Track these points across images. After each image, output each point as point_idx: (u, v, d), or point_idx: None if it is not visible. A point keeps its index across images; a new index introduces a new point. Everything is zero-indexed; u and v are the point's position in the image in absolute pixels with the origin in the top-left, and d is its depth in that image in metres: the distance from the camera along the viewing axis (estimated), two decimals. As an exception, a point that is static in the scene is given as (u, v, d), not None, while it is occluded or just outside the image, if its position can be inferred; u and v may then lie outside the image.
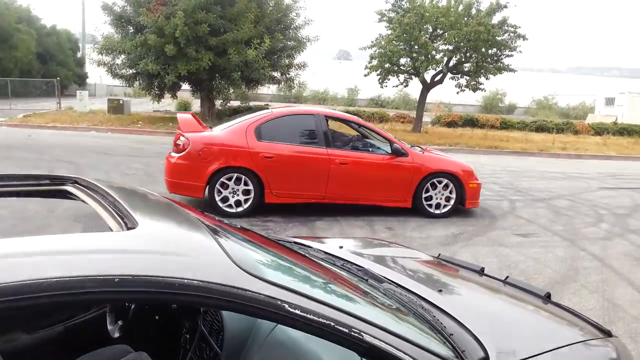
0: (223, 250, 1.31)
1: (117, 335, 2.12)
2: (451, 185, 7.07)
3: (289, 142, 6.63)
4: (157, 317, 2.19)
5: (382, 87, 25.17)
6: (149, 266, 1.10)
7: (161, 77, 18.21)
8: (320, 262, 2.11)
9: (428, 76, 24.24)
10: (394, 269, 2.53)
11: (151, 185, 7.81)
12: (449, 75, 24.38)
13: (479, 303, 2.31)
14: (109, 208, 1.53)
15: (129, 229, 1.32)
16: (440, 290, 2.19)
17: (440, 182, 7.05)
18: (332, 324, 1.28)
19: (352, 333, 1.29)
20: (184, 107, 26.13)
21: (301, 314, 1.24)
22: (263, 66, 18.26)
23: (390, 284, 2.13)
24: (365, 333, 1.31)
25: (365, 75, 24.64)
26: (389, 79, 24.78)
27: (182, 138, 6.38)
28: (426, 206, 7.04)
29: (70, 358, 2.12)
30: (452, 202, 7.11)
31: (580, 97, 47.82)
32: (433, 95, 28.95)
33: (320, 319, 1.26)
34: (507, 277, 2.58)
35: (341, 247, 2.68)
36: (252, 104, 23.88)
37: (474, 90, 24.84)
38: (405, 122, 24.95)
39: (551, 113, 39.55)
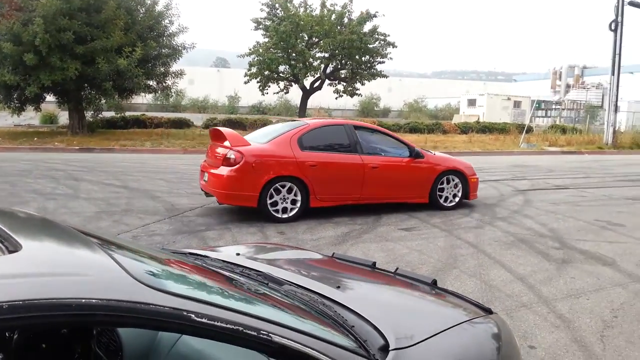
0: (119, 266, 1.25)
1: None
2: (458, 180, 8.14)
3: (327, 150, 7.29)
4: (44, 345, 2.02)
5: (263, 94, 25.32)
6: (40, 289, 1.03)
7: (21, 88, 16.70)
8: (220, 270, 2.08)
9: (307, 83, 24.83)
10: (291, 270, 2.56)
11: (20, 206, 7.12)
12: (327, 81, 25.17)
13: (374, 295, 2.42)
14: None
15: (11, 252, 1.21)
16: (338, 287, 2.26)
17: (449, 179, 8.08)
18: (241, 328, 1.28)
19: (261, 335, 1.30)
20: (50, 119, 24.19)
21: (209, 322, 1.23)
22: (136, 75, 17.48)
23: (290, 285, 2.16)
24: (273, 334, 1.32)
25: (246, 83, 24.63)
26: (269, 86, 25.00)
27: (231, 152, 6.72)
28: (441, 201, 8.03)
29: None
30: (459, 195, 8.16)
31: (446, 100, 51.75)
32: (313, 101, 29.70)
33: (228, 325, 1.25)
34: (397, 269, 2.72)
35: (238, 254, 2.66)
36: (127, 114, 22.73)
37: (351, 95, 25.90)
38: (288, 128, 25.21)
39: (422, 115, 42.28)
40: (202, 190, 7.48)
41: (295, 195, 6.94)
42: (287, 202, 6.90)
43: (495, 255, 5.65)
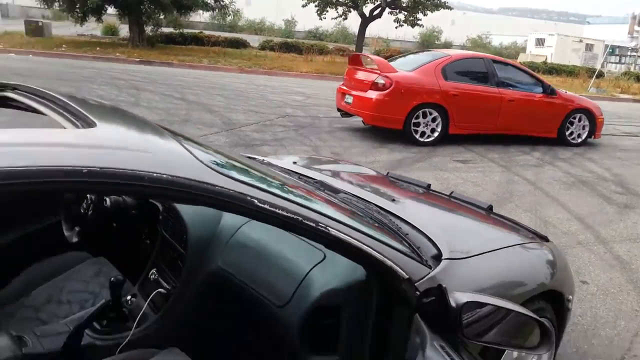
0: (188, 151, 1.28)
1: (75, 240, 2.05)
2: (586, 119, 8.44)
3: (468, 81, 7.65)
4: (114, 224, 2.13)
5: (320, 19, 24.68)
6: (115, 160, 1.05)
7: (83, -1, 16.95)
8: (279, 171, 2.10)
9: (367, 10, 23.95)
10: (347, 181, 2.57)
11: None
12: (388, 9, 24.17)
13: (428, 212, 2.40)
14: (61, 111, 1.42)
15: (85, 128, 1.25)
16: (393, 200, 2.24)
17: (578, 117, 8.41)
18: (300, 218, 1.30)
19: (319, 227, 1.32)
20: (111, 31, 24.53)
21: (270, 208, 1.25)
22: (195, -9, 17.32)
23: (345, 194, 2.16)
24: (330, 227, 1.34)
25: (303, 6, 24.03)
26: (327, 11, 24.31)
27: (380, 77, 7.19)
28: (568, 137, 8.39)
29: (26, 264, 2.06)
30: (585, 133, 8.50)
31: (512, 38, 49.04)
32: (372, 30, 28.75)
33: (288, 214, 1.28)
34: (452, 192, 2.68)
35: (295, 163, 2.68)
36: (185, 31, 22.76)
37: (412, 25, 24.87)
38: (345, 56, 24.72)
39: (485, 52, 40.33)
40: (339, 110, 8.07)
41: (437, 121, 7.36)
42: (428, 128, 7.35)
43: (553, 194, 5.48)
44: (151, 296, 1.91)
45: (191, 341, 1.77)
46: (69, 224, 2.13)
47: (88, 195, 2.09)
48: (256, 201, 1.21)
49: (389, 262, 1.43)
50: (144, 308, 1.87)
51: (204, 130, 6.86)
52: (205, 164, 1.22)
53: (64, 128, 1.27)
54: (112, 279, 1.73)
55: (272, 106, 9.48)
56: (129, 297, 1.90)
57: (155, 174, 1.06)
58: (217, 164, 1.33)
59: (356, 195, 2.16)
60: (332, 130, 7.77)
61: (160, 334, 1.86)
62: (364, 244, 1.39)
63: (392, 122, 7.27)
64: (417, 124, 7.30)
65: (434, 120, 7.37)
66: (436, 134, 7.42)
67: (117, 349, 1.73)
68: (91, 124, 1.24)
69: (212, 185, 1.15)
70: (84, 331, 1.72)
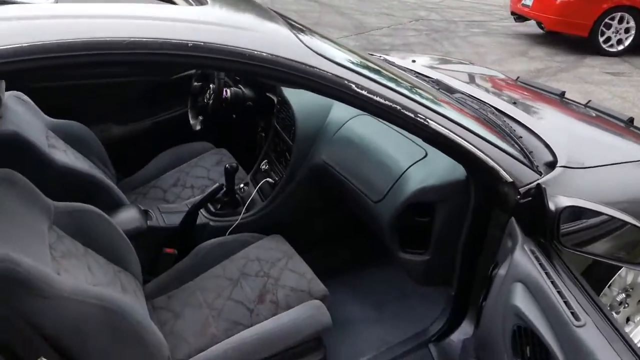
0: (293, 33, 1.29)
1: (198, 128, 2.26)
2: None
3: None
4: (234, 116, 2.29)
5: None
6: (219, 36, 1.11)
7: None
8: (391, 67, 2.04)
9: None
10: (466, 82, 2.43)
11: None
12: None
13: (554, 118, 2.21)
14: None
15: (198, 5, 1.31)
16: (514, 103, 2.10)
17: None
18: (398, 107, 1.27)
19: (418, 118, 1.29)
20: None
21: (368, 95, 1.24)
22: None
23: (461, 94, 2.05)
24: (430, 120, 1.30)
25: None
26: None
27: None
28: None
29: (158, 150, 2.31)
30: None
31: None
32: None
33: (386, 102, 1.26)
34: (589, 101, 2.41)
35: (414, 61, 2.58)
36: None
37: None
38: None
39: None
40: (513, 14, 7.41)
41: (630, 28, 6.58)
42: (618, 36, 6.61)
43: None
44: (259, 185, 2.06)
45: (292, 229, 1.90)
46: (193, 113, 2.34)
47: (211, 86, 2.24)
48: (354, 86, 1.22)
49: (491, 162, 1.36)
50: (252, 195, 2.03)
51: (335, 34, 6.81)
52: (308, 46, 1.24)
53: (176, 4, 1.35)
54: (227, 165, 1.89)
55: (406, 9, 9.11)
56: (242, 185, 2.05)
57: (256, 52, 1.10)
58: (320, 48, 1.34)
59: (472, 96, 2.06)
60: (468, 35, 7.30)
61: (266, 221, 2.01)
62: (466, 140, 1.33)
63: (577, 27, 6.53)
64: (606, 32, 6.50)
65: (626, 27, 6.52)
66: (627, 43, 6.58)
67: (227, 231, 1.91)
68: (203, 2, 1.30)
69: (310, 67, 1.17)
70: (200, 211, 1.93)
